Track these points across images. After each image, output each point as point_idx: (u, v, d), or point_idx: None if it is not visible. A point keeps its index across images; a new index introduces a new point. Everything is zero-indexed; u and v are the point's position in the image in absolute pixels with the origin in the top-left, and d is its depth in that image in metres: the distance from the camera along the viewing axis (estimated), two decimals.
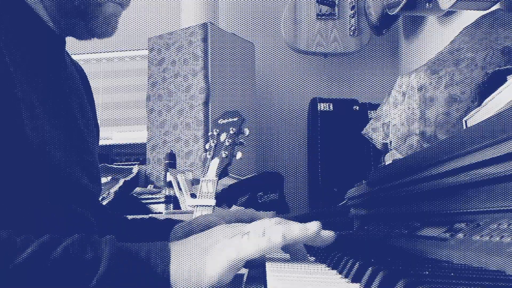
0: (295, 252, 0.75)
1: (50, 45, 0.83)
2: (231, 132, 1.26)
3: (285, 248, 0.75)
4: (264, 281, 0.60)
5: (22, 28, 0.78)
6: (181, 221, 1.01)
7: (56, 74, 0.84)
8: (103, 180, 2.15)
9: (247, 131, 1.26)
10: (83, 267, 0.60)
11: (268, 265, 0.66)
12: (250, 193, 1.99)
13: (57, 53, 0.86)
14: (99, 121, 1.05)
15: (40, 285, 0.58)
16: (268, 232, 0.65)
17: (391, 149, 1.42)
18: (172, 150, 2.13)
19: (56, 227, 0.74)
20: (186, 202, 1.93)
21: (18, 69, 0.73)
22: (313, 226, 0.68)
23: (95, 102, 1.04)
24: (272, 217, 0.73)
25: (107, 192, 2.03)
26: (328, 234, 0.70)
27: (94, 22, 0.82)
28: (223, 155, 1.25)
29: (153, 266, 0.62)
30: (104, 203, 1.95)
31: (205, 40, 2.26)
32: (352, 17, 2.46)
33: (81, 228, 0.80)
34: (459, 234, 0.66)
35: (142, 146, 2.45)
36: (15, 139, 0.69)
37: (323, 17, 2.48)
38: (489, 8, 1.34)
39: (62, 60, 0.87)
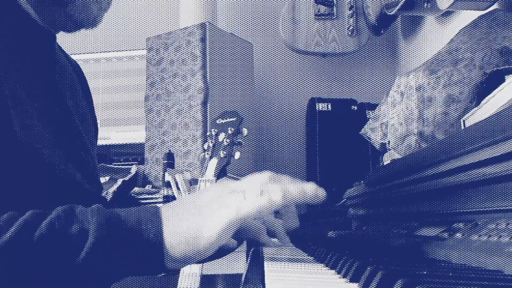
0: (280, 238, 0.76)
1: (40, 42, 0.82)
2: (230, 132, 1.26)
3: (271, 233, 0.74)
4: (262, 281, 0.60)
5: (9, 25, 0.76)
6: None
7: (47, 71, 0.82)
8: (102, 180, 2.14)
9: (245, 131, 1.26)
10: (70, 241, 0.58)
11: (267, 265, 0.66)
12: None
13: (48, 49, 0.85)
14: (97, 121, 1.05)
15: (27, 264, 0.56)
16: (266, 191, 0.63)
17: (389, 149, 1.42)
18: (170, 150, 2.13)
19: None
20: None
21: (6, 67, 0.72)
22: (311, 189, 0.66)
23: (93, 100, 1.03)
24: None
25: (106, 192, 2.03)
26: (322, 193, 0.68)
27: (72, 7, 0.79)
28: (222, 155, 1.25)
29: (144, 232, 0.60)
30: None
31: (203, 40, 2.25)
32: (351, 17, 2.46)
33: None
34: (458, 234, 0.66)
35: (141, 146, 2.45)
36: (3, 138, 0.68)
37: (321, 17, 2.48)
38: (488, 8, 1.34)
39: (53, 56, 0.86)
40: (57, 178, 0.76)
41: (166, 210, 0.63)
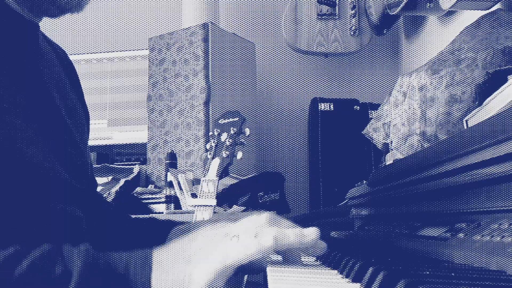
0: (288, 255, 0.69)
1: (21, 33, 0.78)
2: (232, 132, 1.26)
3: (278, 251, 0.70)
4: (265, 282, 0.60)
5: None
6: (181, 222, 0.98)
7: (31, 63, 0.79)
8: (104, 180, 2.15)
9: (247, 131, 1.26)
10: (50, 283, 0.54)
11: (269, 266, 0.66)
12: (251, 193, 1.99)
13: (30, 40, 0.80)
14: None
15: None
16: (259, 235, 0.59)
17: (391, 149, 1.42)
18: (172, 150, 2.13)
19: (35, 227, 0.70)
20: (186, 202, 1.93)
21: None
22: (312, 234, 0.62)
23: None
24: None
25: (108, 192, 2.04)
26: (322, 245, 0.66)
27: None
28: (224, 155, 1.25)
29: (132, 280, 0.56)
30: None
31: (205, 40, 2.26)
32: (353, 17, 2.46)
33: (64, 226, 0.76)
34: (460, 234, 0.65)
35: (143, 146, 2.45)
36: None
37: (323, 17, 2.48)
38: (490, 8, 1.34)
39: (36, 47, 0.82)
40: (41, 177, 0.72)
41: (157, 257, 0.59)
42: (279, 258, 0.72)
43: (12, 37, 0.76)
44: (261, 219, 0.62)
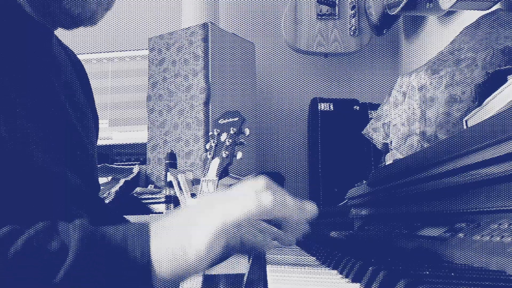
0: (283, 232, 0.68)
1: (35, 37, 0.78)
2: (232, 132, 1.26)
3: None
4: (264, 282, 0.60)
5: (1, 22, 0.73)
6: None
7: (42, 68, 0.79)
8: (104, 180, 2.15)
9: (247, 131, 1.26)
10: (47, 259, 0.53)
11: (269, 266, 0.66)
12: None
13: (43, 45, 0.81)
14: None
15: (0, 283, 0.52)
16: (258, 196, 0.59)
17: (391, 149, 1.42)
18: (172, 150, 2.13)
19: None
20: (186, 202, 1.93)
21: None
22: (312, 209, 0.63)
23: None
24: None
25: (108, 192, 2.04)
26: (306, 227, 0.67)
27: (68, 1, 0.75)
28: (224, 155, 1.25)
29: (130, 250, 0.55)
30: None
31: (205, 40, 2.25)
32: (353, 17, 2.46)
33: None
34: (460, 234, 0.65)
35: (143, 146, 2.45)
36: None
37: (323, 17, 2.48)
38: (490, 8, 1.34)
39: (50, 52, 0.82)
40: (50, 181, 0.72)
41: (155, 226, 0.58)
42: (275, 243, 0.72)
43: (25, 41, 0.77)
44: (258, 183, 0.62)
